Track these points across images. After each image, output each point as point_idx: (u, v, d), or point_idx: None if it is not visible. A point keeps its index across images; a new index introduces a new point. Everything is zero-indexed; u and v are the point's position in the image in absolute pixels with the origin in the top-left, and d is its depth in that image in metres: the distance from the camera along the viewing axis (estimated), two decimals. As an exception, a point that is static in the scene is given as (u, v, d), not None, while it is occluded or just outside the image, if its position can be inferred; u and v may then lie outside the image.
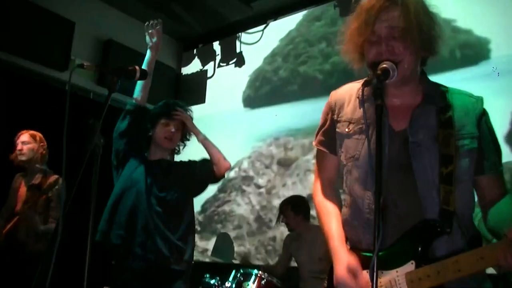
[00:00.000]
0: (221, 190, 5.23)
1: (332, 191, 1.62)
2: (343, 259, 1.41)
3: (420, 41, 1.38)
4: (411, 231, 1.37)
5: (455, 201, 1.36)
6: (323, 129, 1.63)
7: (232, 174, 5.14)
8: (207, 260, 4.71)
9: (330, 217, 1.54)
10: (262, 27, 5.36)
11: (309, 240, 3.74)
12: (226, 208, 5.12)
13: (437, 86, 1.52)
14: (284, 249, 4.07)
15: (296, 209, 3.86)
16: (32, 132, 3.51)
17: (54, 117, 3.27)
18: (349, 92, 1.59)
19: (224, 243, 4.97)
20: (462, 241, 1.37)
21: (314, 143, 1.67)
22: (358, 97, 1.54)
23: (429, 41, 1.41)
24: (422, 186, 1.38)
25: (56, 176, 3.39)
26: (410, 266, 1.33)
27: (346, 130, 1.52)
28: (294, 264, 4.02)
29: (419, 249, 1.34)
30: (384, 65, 1.32)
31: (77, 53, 4.66)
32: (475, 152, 1.41)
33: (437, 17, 1.44)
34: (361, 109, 1.48)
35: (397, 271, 1.35)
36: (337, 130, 1.56)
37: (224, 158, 2.62)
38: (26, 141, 3.42)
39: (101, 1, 5.10)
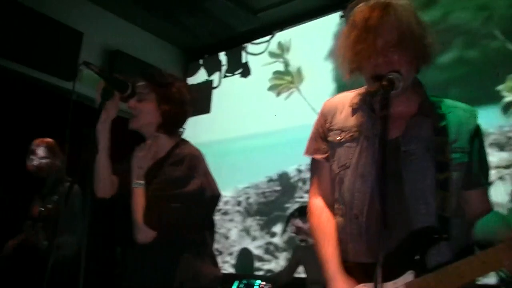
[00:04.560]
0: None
1: (328, 207, 1.58)
2: (342, 284, 1.39)
3: (414, 50, 1.40)
4: (407, 240, 1.35)
5: (451, 207, 1.36)
6: (316, 138, 1.61)
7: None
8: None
9: (327, 240, 1.50)
10: (268, 37, 5.39)
11: None
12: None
13: (432, 97, 1.52)
14: (293, 258, 4.04)
15: (304, 217, 3.86)
16: (49, 142, 3.55)
17: (61, 126, 3.33)
18: (341, 101, 1.59)
19: (245, 258, 4.95)
20: (452, 250, 1.36)
21: (306, 153, 1.63)
22: (350, 106, 1.55)
23: (423, 49, 1.42)
24: (410, 196, 1.38)
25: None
26: (409, 276, 1.31)
27: (338, 138, 1.52)
28: (297, 274, 4.00)
29: (418, 257, 1.32)
30: (391, 76, 1.33)
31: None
32: (464, 166, 1.42)
33: (428, 26, 1.45)
34: (356, 115, 1.51)
35: (395, 283, 1.32)
36: (329, 138, 1.56)
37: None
38: (44, 156, 3.47)
39: (109, 11, 5.15)
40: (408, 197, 1.38)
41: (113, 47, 5.07)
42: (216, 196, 2.01)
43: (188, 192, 1.82)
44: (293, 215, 3.98)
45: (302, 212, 3.89)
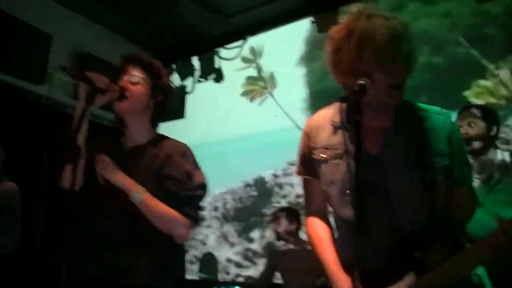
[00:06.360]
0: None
1: (323, 219, 1.63)
2: (346, 280, 1.42)
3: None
4: (402, 243, 1.40)
5: (440, 206, 1.42)
6: (303, 157, 1.65)
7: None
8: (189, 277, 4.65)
9: (324, 245, 1.56)
10: (240, 42, 5.40)
11: (297, 253, 3.71)
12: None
13: (407, 103, 1.55)
14: (269, 263, 4.01)
15: (291, 218, 3.86)
16: None
17: (32, 131, 3.23)
18: (323, 119, 1.62)
19: (209, 261, 4.93)
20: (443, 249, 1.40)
21: (296, 172, 1.69)
22: (332, 124, 1.57)
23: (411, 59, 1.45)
24: (398, 206, 1.43)
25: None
26: (410, 278, 1.35)
27: (324, 156, 1.56)
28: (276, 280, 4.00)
29: (416, 258, 1.37)
30: (362, 81, 1.33)
31: (54, 66, 4.60)
32: (447, 169, 1.47)
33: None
34: (339, 132, 1.54)
35: (397, 285, 1.36)
36: (314, 156, 1.59)
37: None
38: None
39: (80, 14, 5.06)
40: (395, 208, 1.43)
41: (84, 50, 4.97)
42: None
43: (202, 182, 1.81)
44: (277, 214, 3.95)
45: (288, 212, 3.89)
